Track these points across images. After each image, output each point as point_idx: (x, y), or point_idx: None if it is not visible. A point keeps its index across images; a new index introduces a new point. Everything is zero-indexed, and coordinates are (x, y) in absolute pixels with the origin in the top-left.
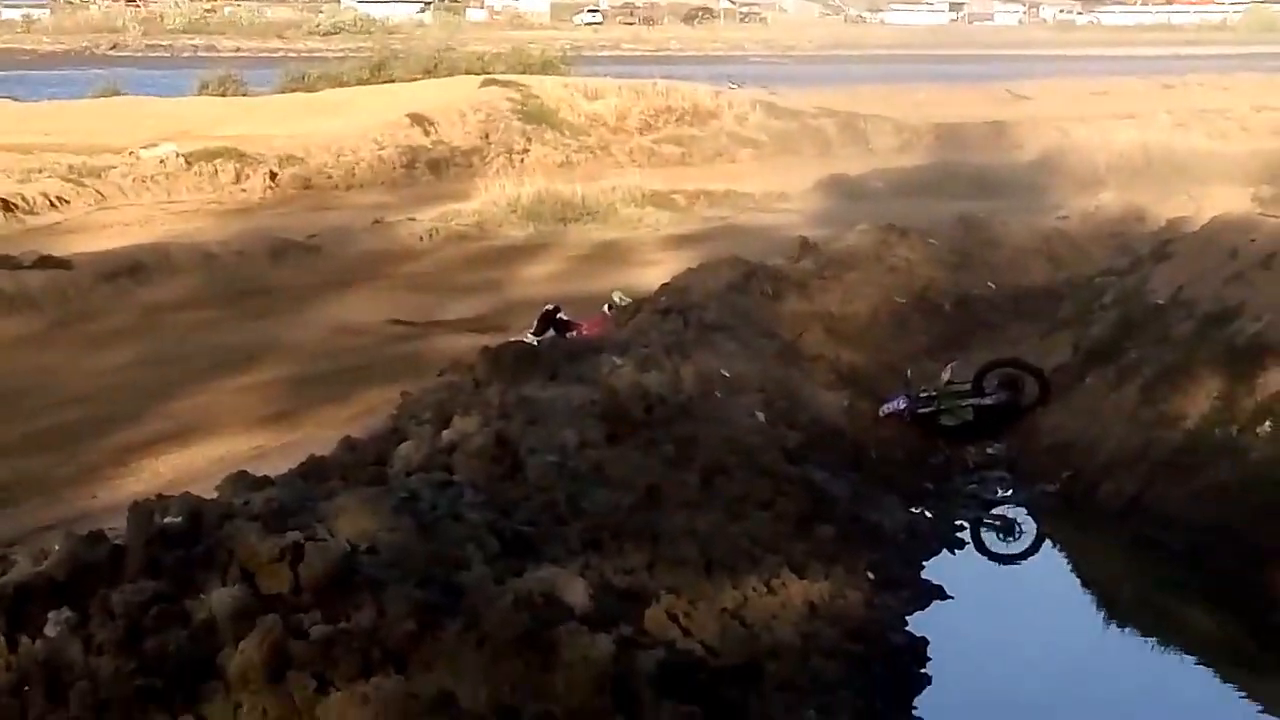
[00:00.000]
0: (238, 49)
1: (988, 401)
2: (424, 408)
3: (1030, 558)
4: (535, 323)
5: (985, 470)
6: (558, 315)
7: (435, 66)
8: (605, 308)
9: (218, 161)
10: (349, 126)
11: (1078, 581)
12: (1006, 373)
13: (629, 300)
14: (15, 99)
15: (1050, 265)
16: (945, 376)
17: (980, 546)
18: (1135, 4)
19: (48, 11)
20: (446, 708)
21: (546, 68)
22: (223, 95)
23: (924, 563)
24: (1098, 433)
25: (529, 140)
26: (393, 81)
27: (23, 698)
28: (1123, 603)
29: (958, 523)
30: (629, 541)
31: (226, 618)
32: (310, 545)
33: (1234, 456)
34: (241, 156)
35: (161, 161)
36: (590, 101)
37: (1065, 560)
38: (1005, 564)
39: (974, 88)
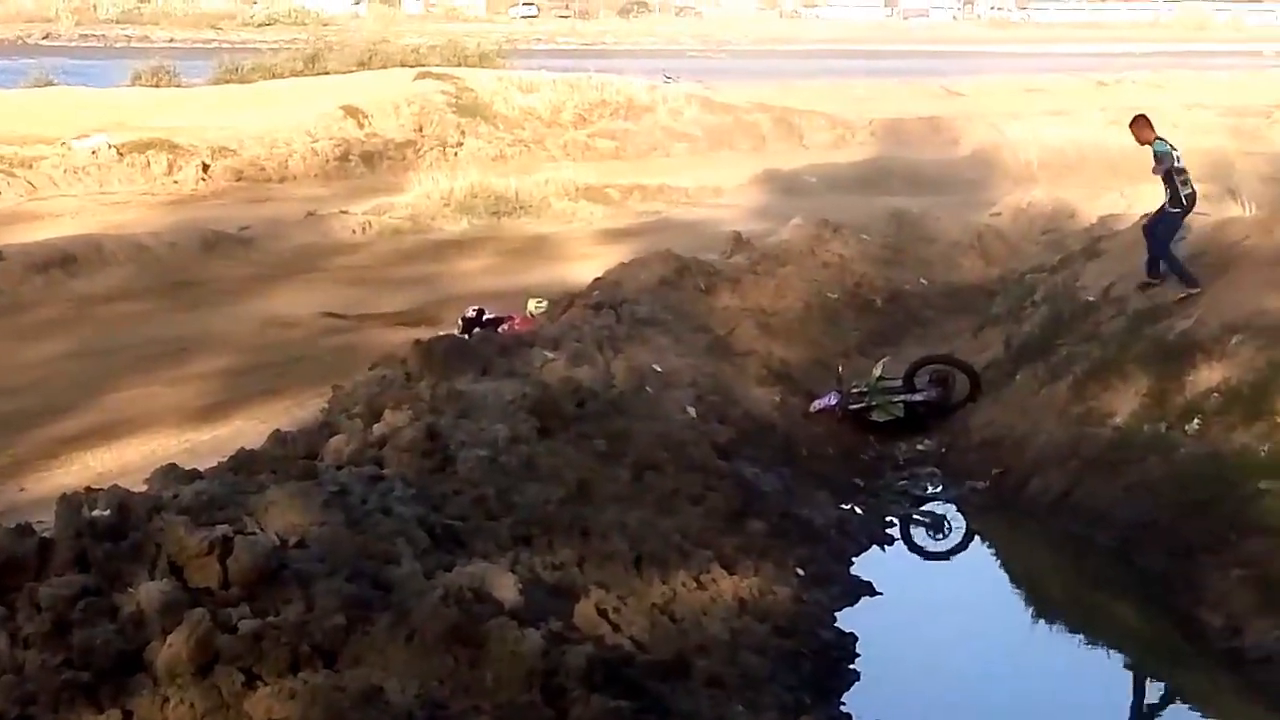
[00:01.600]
0: (171, 39)
1: (919, 398)
2: (355, 401)
3: (959, 554)
4: (460, 323)
5: (916, 466)
6: (481, 318)
7: (370, 59)
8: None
9: (150, 153)
10: (283, 118)
11: (1007, 578)
12: (938, 369)
13: (544, 306)
14: None
15: (983, 261)
16: (877, 372)
17: (910, 543)
18: (1068, 1)
19: None
20: (375, 702)
21: (481, 61)
22: (156, 86)
23: (854, 559)
24: (1028, 429)
25: (463, 133)
26: (327, 74)
27: None
28: (1052, 598)
29: (888, 519)
30: (559, 536)
31: (155, 611)
32: (239, 539)
33: (1163, 453)
34: (174, 148)
35: (94, 152)
36: (525, 95)
37: (994, 556)
38: (934, 560)
39: (909, 84)
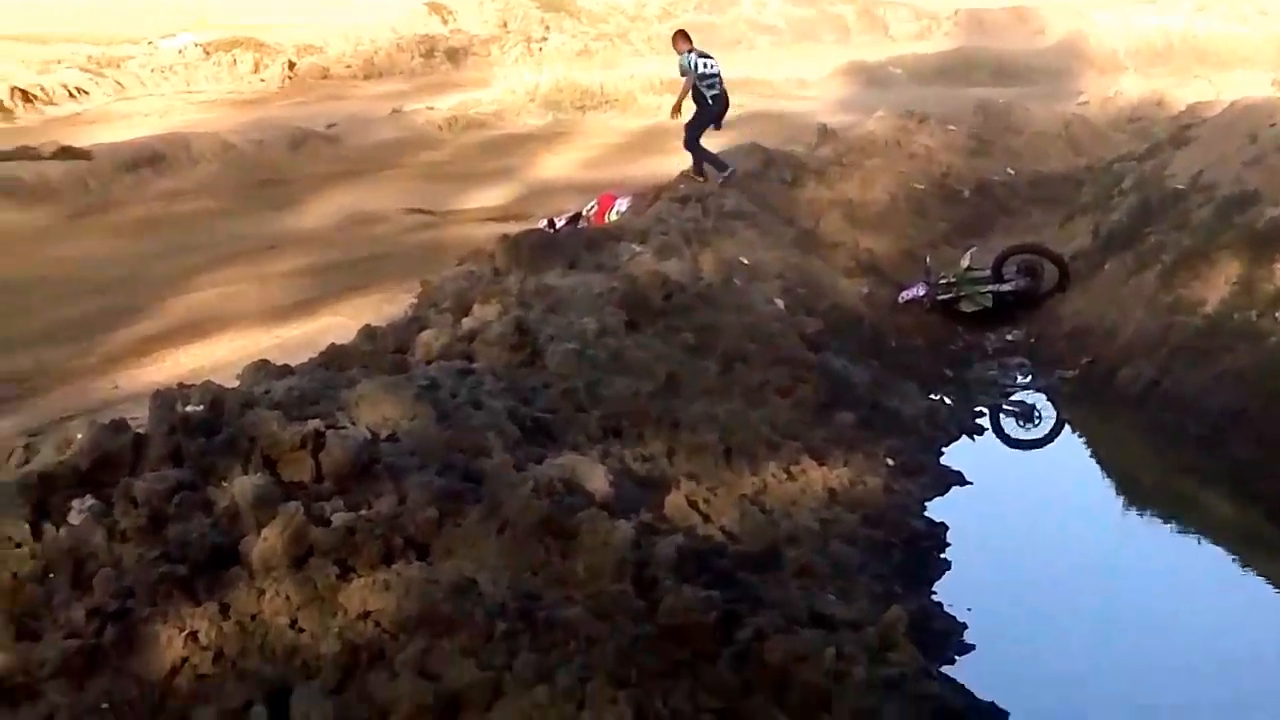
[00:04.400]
0: None
1: (1007, 288)
2: (444, 296)
3: (1049, 444)
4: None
5: (1004, 356)
6: (554, 226)
7: None
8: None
9: (236, 51)
10: (368, 16)
11: (1096, 467)
12: (1026, 259)
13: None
14: None
15: (1070, 151)
16: (964, 263)
17: (999, 432)
18: None
19: None
20: (467, 594)
21: None
22: None
23: (943, 449)
24: (1116, 318)
25: (547, 28)
26: None
27: (48, 585)
28: (1142, 488)
29: (977, 409)
30: (648, 429)
31: (249, 505)
32: (331, 433)
33: (1252, 341)
34: (260, 46)
35: (180, 52)
36: None
37: (1084, 446)
38: (1024, 450)
39: None
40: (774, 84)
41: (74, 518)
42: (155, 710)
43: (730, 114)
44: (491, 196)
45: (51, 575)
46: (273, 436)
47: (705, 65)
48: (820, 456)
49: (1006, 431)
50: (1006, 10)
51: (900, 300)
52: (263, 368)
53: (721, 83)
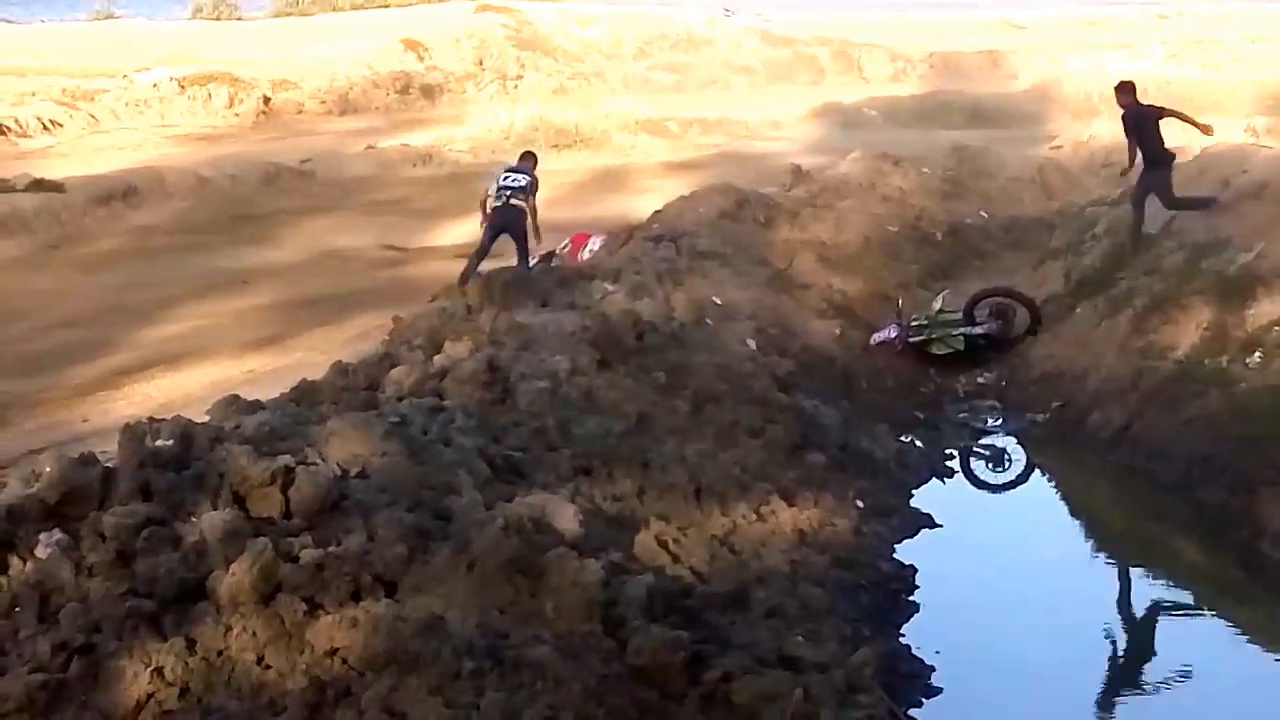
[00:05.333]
0: None
1: (979, 330)
2: (416, 333)
3: (1019, 487)
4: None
5: (975, 399)
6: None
7: None
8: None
9: (211, 86)
10: (343, 52)
11: (1066, 511)
12: (998, 302)
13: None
14: (9, 21)
15: (1043, 195)
16: (937, 305)
17: (970, 475)
18: None
19: None
20: (436, 631)
21: None
22: (216, 19)
23: (914, 491)
24: (1088, 362)
25: (523, 67)
26: (387, 7)
27: (13, 619)
28: (1111, 532)
29: (947, 451)
30: (619, 468)
31: (217, 541)
32: (301, 469)
33: (1223, 387)
34: (235, 81)
35: (155, 85)
36: (584, 28)
37: (1054, 489)
38: (994, 493)
39: (969, 16)
40: (748, 124)
41: (41, 551)
42: None
43: (703, 154)
44: (464, 233)
45: (17, 609)
46: (242, 472)
47: (503, 179)
48: (790, 497)
49: (977, 474)
50: (980, 54)
51: (872, 342)
52: (233, 403)
53: (509, 196)
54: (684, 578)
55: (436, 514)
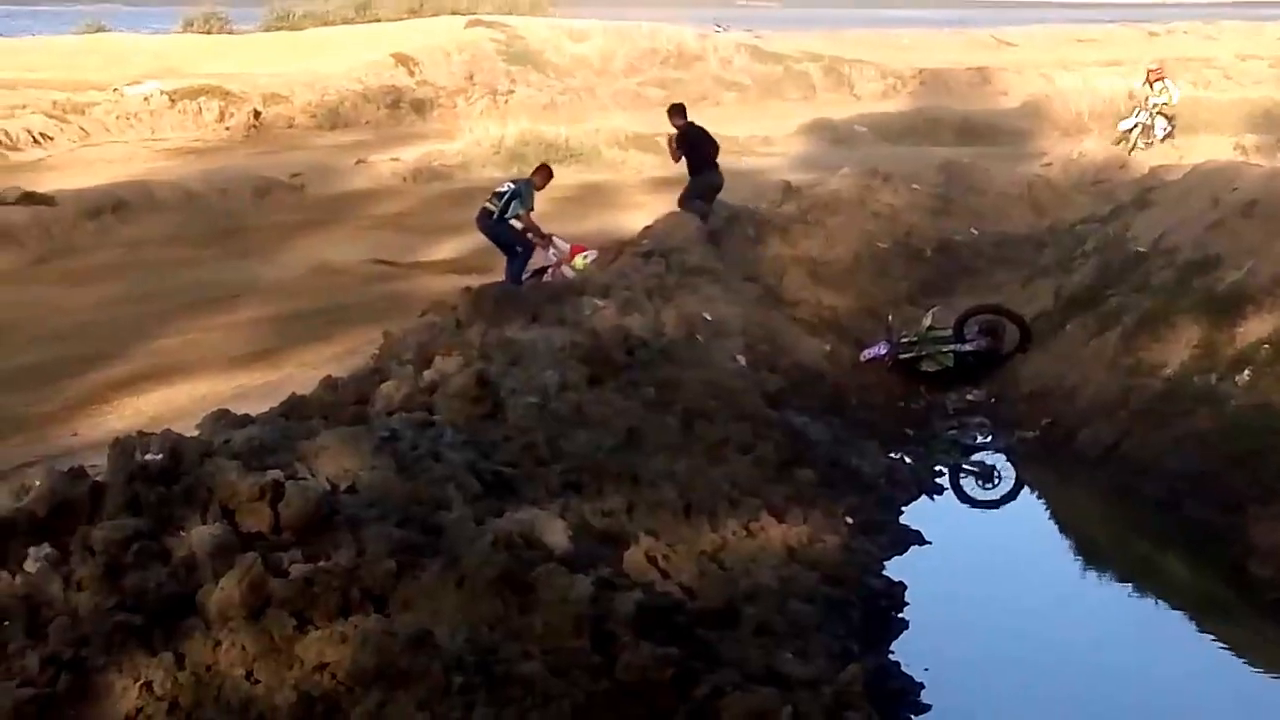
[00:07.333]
0: None
1: (968, 347)
2: (405, 348)
3: (1009, 504)
4: None
5: (965, 416)
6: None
7: (420, 6)
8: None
9: (202, 99)
10: (334, 66)
11: (1056, 528)
12: (988, 319)
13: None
14: None
15: (1033, 212)
16: (926, 322)
17: (959, 492)
18: None
19: None
20: (425, 647)
21: (532, 9)
22: (207, 33)
23: (903, 508)
24: (1077, 380)
25: (513, 81)
26: (378, 21)
27: (2, 633)
28: (1100, 549)
29: (937, 468)
30: (609, 483)
31: (206, 555)
32: (290, 484)
33: (1212, 405)
34: (225, 94)
35: (145, 99)
36: (575, 43)
37: (1043, 507)
38: (984, 510)
39: (959, 33)
40: (739, 140)
41: (30, 565)
42: None
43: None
44: (454, 248)
45: (6, 623)
46: (231, 486)
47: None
48: (780, 514)
49: (966, 491)
50: (971, 71)
51: (862, 359)
52: (222, 417)
53: (485, 201)
54: (673, 594)
55: (426, 529)
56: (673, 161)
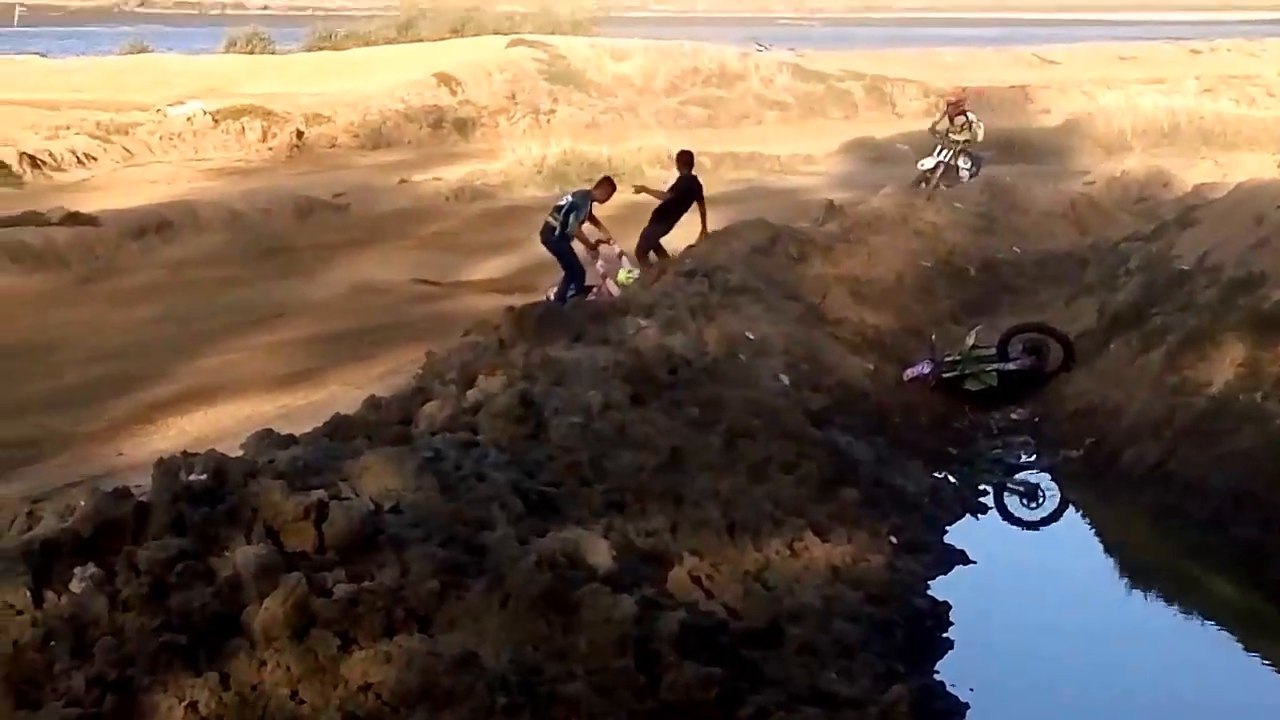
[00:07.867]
0: (265, 7)
1: (1012, 366)
2: (449, 367)
3: (1053, 523)
4: None
5: (1009, 435)
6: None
7: (463, 26)
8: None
9: (245, 119)
10: (376, 86)
11: (1101, 548)
12: (1031, 338)
13: (635, 274)
14: (44, 55)
15: (1076, 230)
16: (970, 341)
17: (1003, 512)
18: None
19: None
20: (469, 667)
21: (574, 28)
22: (250, 53)
23: (947, 527)
24: (1122, 399)
25: (555, 101)
26: (420, 41)
27: (48, 653)
28: (1145, 569)
29: (981, 487)
30: (652, 503)
31: (251, 575)
32: (334, 504)
33: (1257, 424)
34: (268, 115)
35: (189, 119)
36: (617, 63)
37: (1088, 526)
38: (1028, 529)
39: (1001, 51)
40: (781, 159)
41: (76, 585)
42: None
43: (736, 189)
44: (497, 268)
45: (52, 643)
46: (276, 506)
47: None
48: (823, 533)
49: (1010, 511)
50: (1013, 89)
51: (905, 378)
52: (266, 437)
53: (552, 214)
54: (717, 613)
55: (470, 549)
56: (657, 199)
